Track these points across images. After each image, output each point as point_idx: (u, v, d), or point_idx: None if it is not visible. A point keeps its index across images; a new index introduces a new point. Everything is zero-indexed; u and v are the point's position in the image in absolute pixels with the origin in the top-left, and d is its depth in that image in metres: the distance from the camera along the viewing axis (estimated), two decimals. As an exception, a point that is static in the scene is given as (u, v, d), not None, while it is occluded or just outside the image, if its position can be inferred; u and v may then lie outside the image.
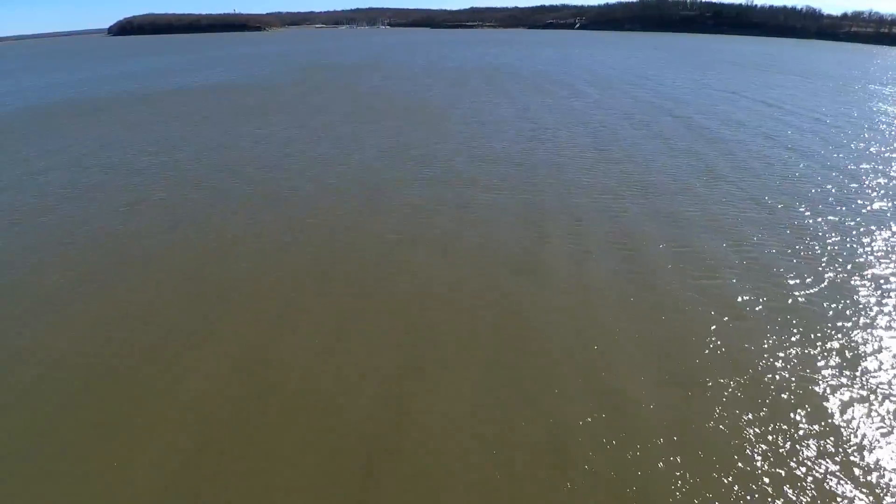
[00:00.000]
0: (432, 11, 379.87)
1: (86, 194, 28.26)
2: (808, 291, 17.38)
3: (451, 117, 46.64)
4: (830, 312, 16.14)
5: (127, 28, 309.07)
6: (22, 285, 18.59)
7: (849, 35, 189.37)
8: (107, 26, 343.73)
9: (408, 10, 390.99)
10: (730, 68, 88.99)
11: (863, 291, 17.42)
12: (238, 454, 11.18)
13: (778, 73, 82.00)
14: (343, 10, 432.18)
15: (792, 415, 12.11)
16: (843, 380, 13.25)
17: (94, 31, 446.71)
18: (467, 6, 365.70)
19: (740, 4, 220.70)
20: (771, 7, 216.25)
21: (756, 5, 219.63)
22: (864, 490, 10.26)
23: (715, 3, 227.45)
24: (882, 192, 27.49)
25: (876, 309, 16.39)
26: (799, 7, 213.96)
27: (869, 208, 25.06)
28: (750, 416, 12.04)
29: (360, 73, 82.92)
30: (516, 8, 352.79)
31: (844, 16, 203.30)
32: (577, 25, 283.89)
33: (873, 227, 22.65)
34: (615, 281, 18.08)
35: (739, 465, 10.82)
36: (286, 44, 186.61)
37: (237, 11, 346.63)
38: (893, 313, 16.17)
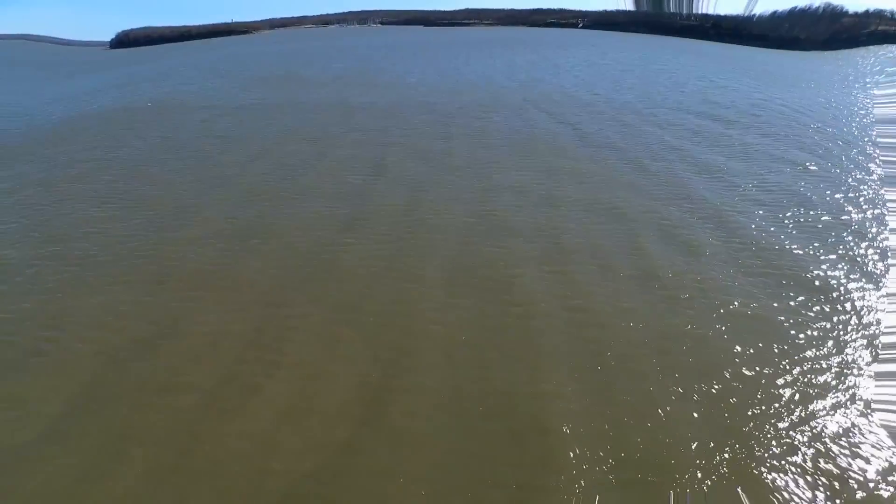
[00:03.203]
0: (427, 12, 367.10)
1: None
2: None
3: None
4: None
5: (124, 41, 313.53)
6: None
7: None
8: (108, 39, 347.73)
9: (401, 11, 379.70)
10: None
11: None
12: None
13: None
14: (335, 14, 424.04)
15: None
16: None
17: (96, 44, 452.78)
18: (462, 7, 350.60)
19: (737, 16, 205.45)
20: (775, 13, 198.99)
21: (754, 16, 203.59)
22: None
23: (711, 15, 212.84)
24: None
25: None
26: (814, 6, 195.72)
27: None
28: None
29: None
30: (513, 10, 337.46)
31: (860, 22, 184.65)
32: (581, 26, 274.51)
33: None
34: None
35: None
36: (263, 45, 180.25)
37: (234, 20, 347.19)
38: None
